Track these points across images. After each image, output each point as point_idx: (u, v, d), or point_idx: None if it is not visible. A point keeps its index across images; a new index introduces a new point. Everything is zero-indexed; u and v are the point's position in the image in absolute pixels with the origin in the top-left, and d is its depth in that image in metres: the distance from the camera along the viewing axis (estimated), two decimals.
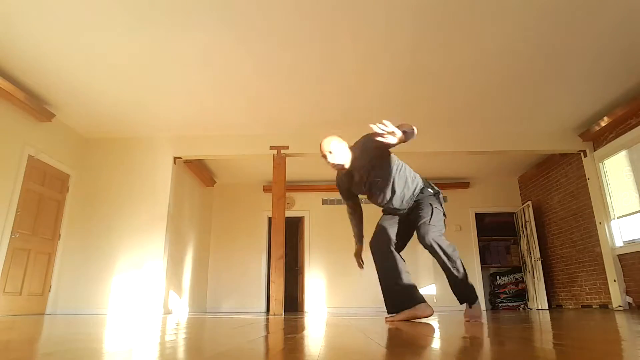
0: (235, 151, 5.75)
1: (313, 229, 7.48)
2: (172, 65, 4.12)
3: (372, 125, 2.26)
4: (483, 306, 7.04)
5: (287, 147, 5.63)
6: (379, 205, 2.82)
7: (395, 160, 2.68)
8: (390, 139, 2.25)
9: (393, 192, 2.65)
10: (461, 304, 2.63)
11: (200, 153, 5.80)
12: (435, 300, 7.13)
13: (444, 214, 2.68)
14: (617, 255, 5.06)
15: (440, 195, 2.75)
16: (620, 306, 4.90)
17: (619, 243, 5.07)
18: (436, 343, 1.29)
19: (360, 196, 2.92)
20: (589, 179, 5.50)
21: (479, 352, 1.06)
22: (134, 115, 5.17)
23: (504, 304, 7.03)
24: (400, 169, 2.68)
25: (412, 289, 2.66)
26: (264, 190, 7.67)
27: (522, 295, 7.03)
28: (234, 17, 3.42)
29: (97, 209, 5.40)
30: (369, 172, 2.63)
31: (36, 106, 4.54)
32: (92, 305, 5.03)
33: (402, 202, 2.69)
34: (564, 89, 4.64)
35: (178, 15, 3.40)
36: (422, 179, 2.80)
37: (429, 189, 2.73)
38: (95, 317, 3.59)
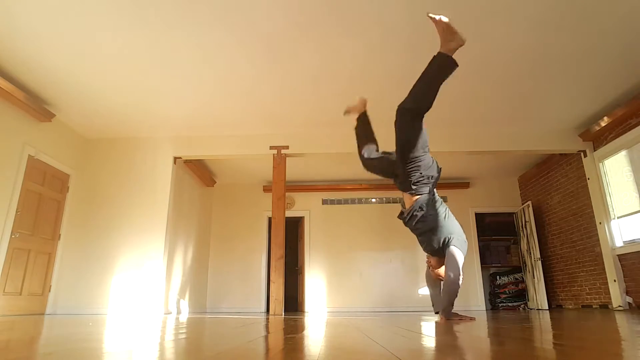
0: (235, 151, 5.75)
1: (313, 229, 7.47)
2: (173, 66, 4.12)
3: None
4: (483, 306, 7.05)
5: (287, 147, 5.63)
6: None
7: None
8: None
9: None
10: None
11: (200, 153, 5.79)
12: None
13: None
14: (617, 255, 5.06)
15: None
16: (620, 306, 4.90)
17: (619, 243, 5.07)
18: (436, 343, 1.29)
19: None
20: (589, 179, 5.50)
21: (480, 352, 1.06)
22: (134, 115, 5.17)
23: (504, 304, 7.03)
24: None
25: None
26: (264, 190, 7.66)
27: (522, 295, 7.03)
28: (235, 18, 3.42)
29: (97, 209, 5.40)
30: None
31: (36, 106, 4.54)
32: (92, 305, 5.03)
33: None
34: (564, 89, 4.64)
35: (179, 16, 3.40)
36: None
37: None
38: (95, 317, 3.59)
